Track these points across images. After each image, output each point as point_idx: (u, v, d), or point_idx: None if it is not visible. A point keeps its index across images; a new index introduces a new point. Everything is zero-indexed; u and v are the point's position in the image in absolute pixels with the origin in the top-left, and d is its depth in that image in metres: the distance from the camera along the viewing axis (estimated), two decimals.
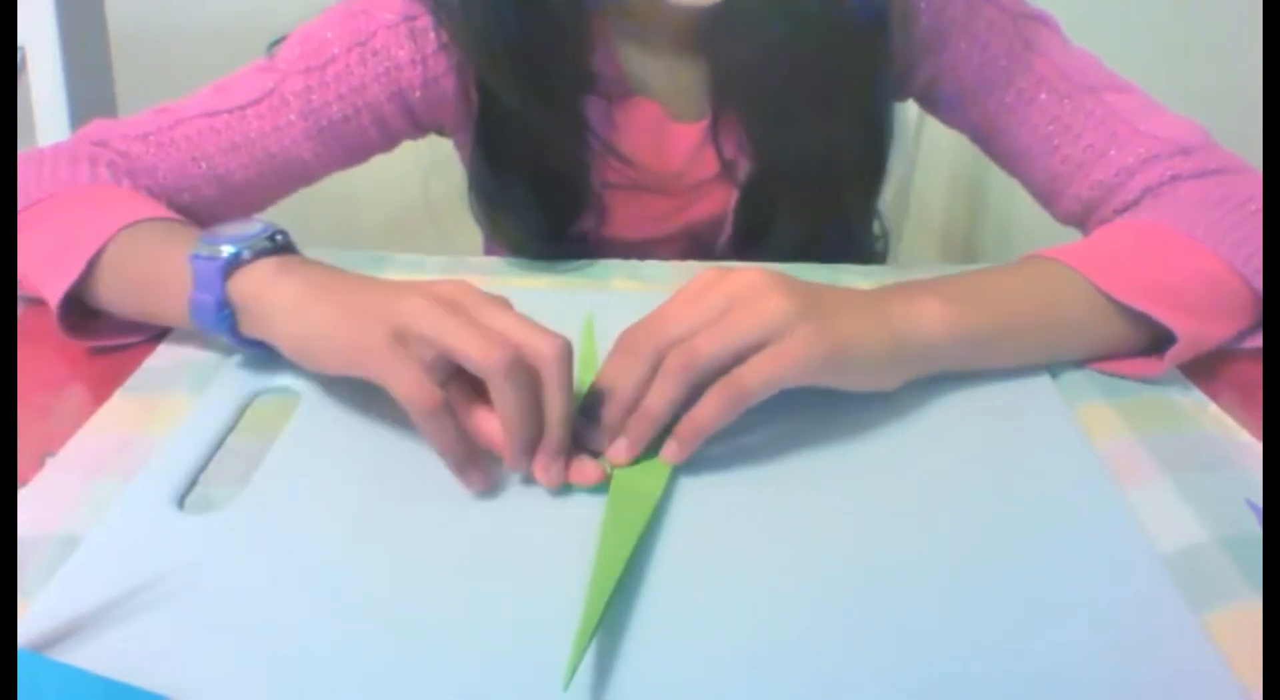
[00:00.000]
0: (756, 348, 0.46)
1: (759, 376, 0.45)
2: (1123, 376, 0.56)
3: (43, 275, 0.58)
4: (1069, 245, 0.58)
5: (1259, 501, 0.45)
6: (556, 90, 0.67)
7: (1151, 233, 0.59)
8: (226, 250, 0.51)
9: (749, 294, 0.47)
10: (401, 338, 0.45)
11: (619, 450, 0.47)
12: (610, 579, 0.39)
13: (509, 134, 0.68)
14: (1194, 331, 0.53)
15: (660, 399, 0.46)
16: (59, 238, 0.59)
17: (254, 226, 0.53)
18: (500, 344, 0.44)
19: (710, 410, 0.45)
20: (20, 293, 0.61)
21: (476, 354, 0.43)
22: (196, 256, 0.52)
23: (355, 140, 0.70)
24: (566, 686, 0.35)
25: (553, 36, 0.65)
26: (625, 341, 0.48)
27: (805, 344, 0.46)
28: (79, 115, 0.98)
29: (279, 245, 0.53)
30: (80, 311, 0.58)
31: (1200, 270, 0.56)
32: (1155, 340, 0.56)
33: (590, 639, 0.36)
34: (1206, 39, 1.01)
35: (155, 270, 0.55)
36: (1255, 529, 0.43)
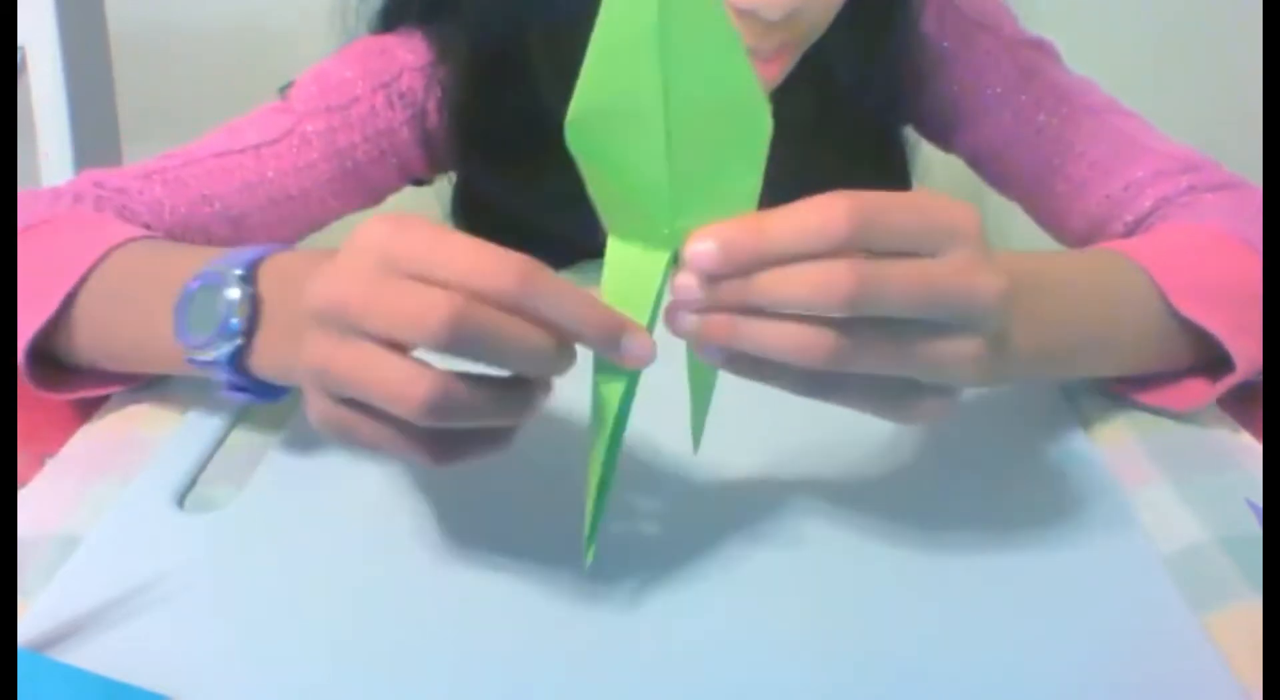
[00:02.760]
0: (934, 323, 0.35)
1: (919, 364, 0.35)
2: (1162, 410, 0.52)
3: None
4: (1147, 245, 0.53)
5: (1259, 501, 0.45)
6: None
7: (1216, 239, 0.55)
8: (217, 350, 0.42)
9: (968, 252, 0.35)
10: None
11: (685, 325, 0.35)
12: (606, 436, 0.36)
13: (493, 212, 0.68)
14: (1251, 357, 0.49)
15: (787, 289, 0.33)
16: (29, 275, 0.51)
17: (221, 309, 0.42)
18: (416, 379, 0.33)
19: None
20: None
21: (398, 402, 0.34)
22: (192, 360, 0.44)
23: (379, 183, 0.67)
24: (588, 561, 0.35)
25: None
26: (817, 200, 0.34)
27: (971, 363, 0.36)
28: (79, 115, 0.98)
29: (245, 299, 0.42)
30: (49, 365, 0.51)
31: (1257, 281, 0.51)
32: (1199, 357, 0.52)
33: (601, 502, 0.36)
34: (1205, 64, 1.01)
35: (152, 297, 0.46)
36: (1255, 529, 0.43)
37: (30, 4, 0.94)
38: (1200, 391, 0.51)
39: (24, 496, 0.45)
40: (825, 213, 0.33)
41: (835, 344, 0.33)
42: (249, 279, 0.43)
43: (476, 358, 0.34)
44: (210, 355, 0.43)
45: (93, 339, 0.51)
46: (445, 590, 0.40)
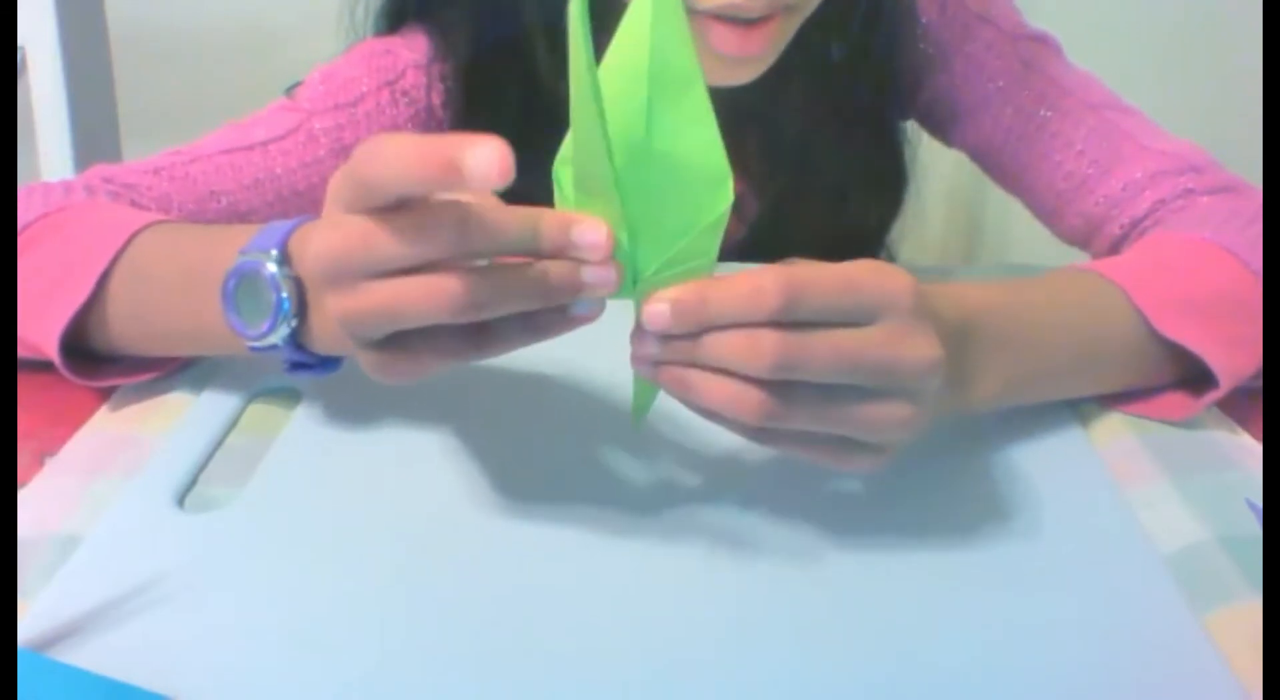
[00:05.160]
0: (864, 389, 0.38)
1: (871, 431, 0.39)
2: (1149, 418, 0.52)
3: (39, 306, 0.50)
4: (1126, 264, 0.54)
5: (1259, 501, 0.45)
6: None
7: (1200, 251, 0.54)
8: (278, 335, 0.43)
9: (899, 322, 0.38)
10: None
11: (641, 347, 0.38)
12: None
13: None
14: (1235, 371, 0.49)
15: (720, 351, 0.36)
16: (55, 259, 0.52)
17: (265, 291, 0.43)
18: (440, 284, 0.35)
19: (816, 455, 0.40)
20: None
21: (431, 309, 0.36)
22: (254, 349, 0.44)
23: None
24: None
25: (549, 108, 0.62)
26: (757, 273, 0.37)
27: (898, 427, 0.39)
28: (79, 115, 0.98)
29: (288, 281, 0.43)
30: (80, 355, 0.51)
31: (1248, 298, 0.51)
32: (1182, 372, 0.52)
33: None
34: (1207, 56, 1.01)
35: (198, 265, 0.46)
36: (1255, 529, 0.43)
37: (30, 4, 0.95)
38: (1183, 405, 0.51)
39: (24, 496, 0.45)
40: (758, 285, 0.36)
41: (765, 403, 0.37)
42: (285, 259, 0.43)
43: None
44: (272, 340, 0.43)
45: (126, 323, 0.51)
46: (447, 589, 0.40)
